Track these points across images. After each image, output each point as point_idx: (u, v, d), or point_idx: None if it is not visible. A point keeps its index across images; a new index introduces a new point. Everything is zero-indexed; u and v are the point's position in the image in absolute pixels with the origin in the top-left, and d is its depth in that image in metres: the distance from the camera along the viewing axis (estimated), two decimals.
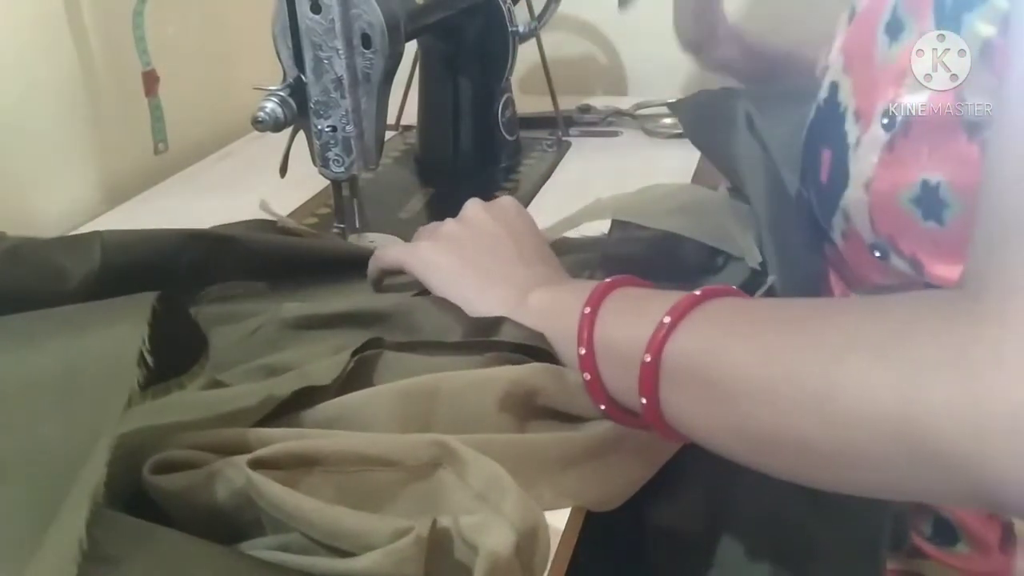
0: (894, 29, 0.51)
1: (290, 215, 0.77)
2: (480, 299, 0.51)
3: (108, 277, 0.51)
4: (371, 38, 0.63)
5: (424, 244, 0.56)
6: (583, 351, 0.45)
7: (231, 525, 0.38)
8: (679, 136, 0.94)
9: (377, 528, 0.34)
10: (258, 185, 0.82)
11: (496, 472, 0.38)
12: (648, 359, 0.42)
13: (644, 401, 0.43)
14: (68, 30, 0.80)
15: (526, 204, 0.80)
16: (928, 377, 0.33)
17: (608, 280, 0.48)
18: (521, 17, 0.86)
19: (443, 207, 0.82)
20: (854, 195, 0.53)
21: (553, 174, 0.88)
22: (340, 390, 0.45)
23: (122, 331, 0.37)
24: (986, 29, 0.45)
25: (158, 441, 0.39)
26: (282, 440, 0.40)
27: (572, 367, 0.47)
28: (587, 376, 0.45)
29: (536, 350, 0.48)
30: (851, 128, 0.54)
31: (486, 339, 0.48)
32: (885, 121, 0.50)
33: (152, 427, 0.39)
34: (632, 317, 0.45)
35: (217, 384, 0.46)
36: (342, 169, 0.66)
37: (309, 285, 0.59)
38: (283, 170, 0.68)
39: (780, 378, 0.38)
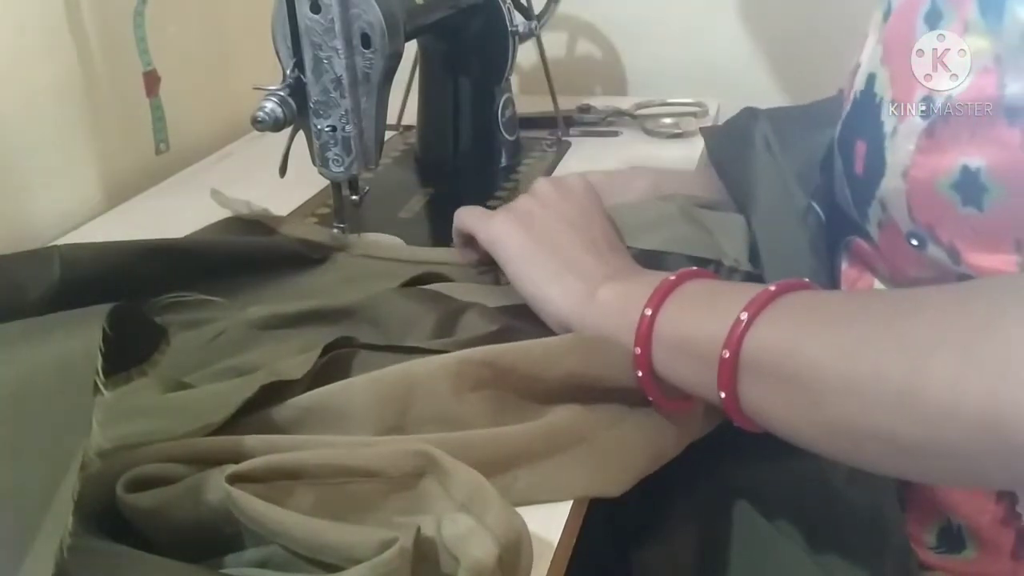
0: (933, 18, 0.51)
1: (290, 215, 0.77)
2: (549, 286, 0.52)
3: (67, 291, 0.50)
4: (371, 38, 0.63)
5: (499, 217, 0.56)
6: (638, 351, 0.47)
7: (210, 540, 0.38)
8: (679, 136, 0.94)
9: (362, 540, 0.34)
10: (258, 185, 0.82)
11: (479, 483, 0.38)
12: (727, 355, 0.43)
13: (723, 395, 0.44)
14: (68, 31, 0.80)
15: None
16: (1016, 367, 0.33)
17: (672, 277, 0.48)
18: (521, 17, 0.86)
19: (443, 207, 0.82)
20: (891, 184, 0.52)
21: (553, 174, 0.88)
22: (311, 388, 0.45)
23: (76, 344, 0.36)
24: None
25: (129, 456, 0.39)
26: (257, 447, 0.40)
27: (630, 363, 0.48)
28: (640, 373, 0.47)
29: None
30: (887, 117, 0.53)
31: (453, 348, 0.48)
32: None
33: (122, 444, 0.38)
34: (704, 312, 0.46)
35: (183, 387, 0.46)
36: (342, 169, 0.66)
37: (271, 286, 0.58)
38: (283, 170, 0.68)
39: (865, 375, 0.38)
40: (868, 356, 0.38)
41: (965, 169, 0.48)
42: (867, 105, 0.56)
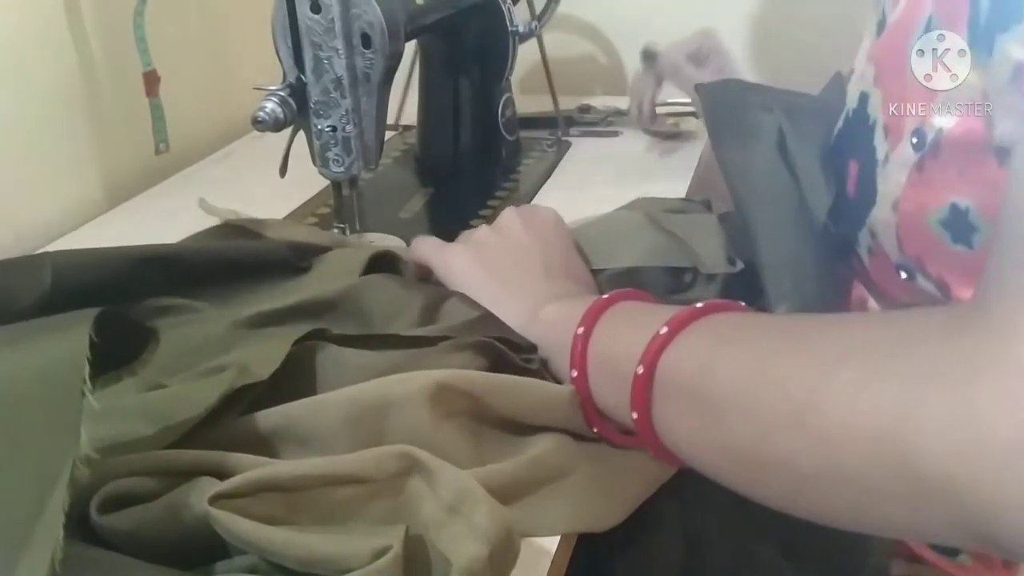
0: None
1: (290, 215, 0.78)
2: (494, 308, 0.51)
3: (58, 299, 0.50)
4: (371, 38, 0.63)
5: (453, 247, 0.57)
6: (575, 373, 0.45)
7: (193, 554, 0.37)
8: (678, 136, 0.94)
9: (355, 552, 0.34)
10: (258, 185, 0.82)
11: (465, 482, 0.38)
12: (641, 371, 0.41)
13: (635, 416, 0.42)
14: (68, 30, 0.80)
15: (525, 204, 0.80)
16: (920, 390, 0.31)
17: (606, 296, 0.47)
18: (521, 17, 0.86)
19: (443, 207, 0.82)
20: (881, 214, 0.51)
21: (553, 174, 0.88)
22: (289, 390, 0.44)
23: (62, 351, 0.36)
24: (1019, 52, 0.42)
25: (98, 471, 0.37)
26: (229, 462, 0.39)
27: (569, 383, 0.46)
28: (580, 397, 0.45)
29: (484, 329, 0.48)
30: (880, 143, 0.52)
31: (436, 334, 0.48)
32: (915, 140, 0.48)
33: (100, 446, 0.37)
34: (629, 330, 0.44)
35: (161, 388, 0.45)
36: (342, 169, 0.66)
37: (260, 291, 0.58)
38: (283, 170, 0.68)
39: (767, 389, 0.36)
40: (773, 370, 0.36)
41: (954, 207, 0.47)
42: (860, 125, 0.54)
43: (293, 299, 0.53)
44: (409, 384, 0.43)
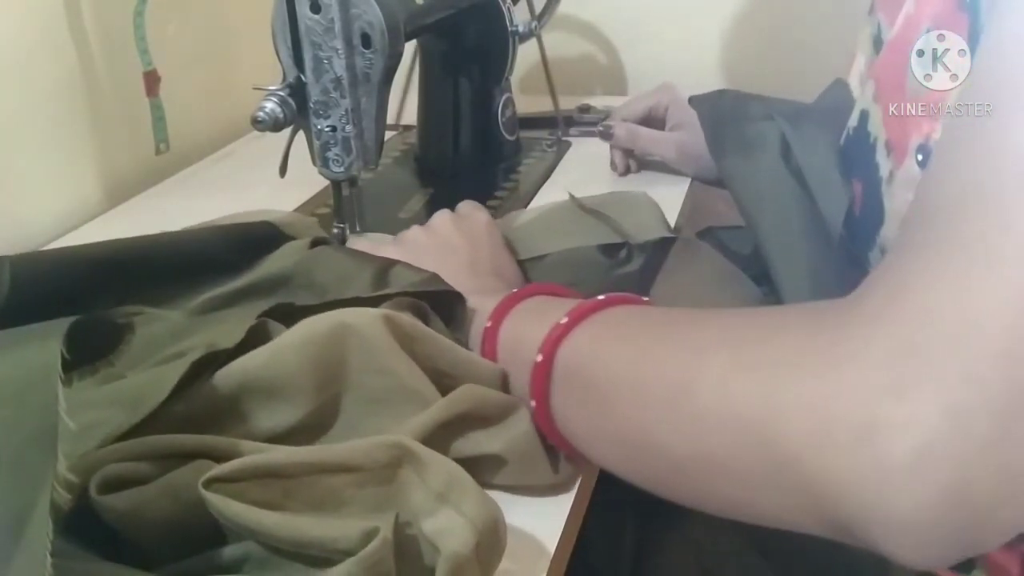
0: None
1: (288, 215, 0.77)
2: None
3: (17, 302, 0.50)
4: (371, 38, 0.63)
5: (386, 246, 0.59)
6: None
7: (189, 537, 0.38)
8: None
9: (344, 534, 0.34)
10: (258, 185, 0.82)
11: (455, 472, 0.38)
12: (540, 359, 0.42)
13: (533, 404, 0.42)
14: (68, 30, 0.80)
15: (526, 204, 0.80)
16: (783, 377, 0.31)
17: (516, 291, 0.49)
18: (521, 17, 0.86)
19: (443, 207, 0.82)
20: (891, 232, 0.50)
21: (553, 174, 0.88)
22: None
23: (33, 365, 0.36)
24: None
25: (93, 457, 0.38)
26: (224, 447, 0.40)
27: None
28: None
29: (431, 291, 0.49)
30: (883, 160, 0.51)
31: (387, 292, 0.49)
32: (920, 157, 0.48)
33: (84, 452, 0.38)
34: (533, 323, 0.45)
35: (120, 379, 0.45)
36: (342, 169, 0.66)
37: (220, 283, 0.57)
38: (283, 170, 0.68)
39: (646, 377, 0.37)
40: (649, 359, 0.38)
41: None
42: (861, 144, 0.54)
43: (244, 280, 0.54)
44: (361, 314, 0.44)
